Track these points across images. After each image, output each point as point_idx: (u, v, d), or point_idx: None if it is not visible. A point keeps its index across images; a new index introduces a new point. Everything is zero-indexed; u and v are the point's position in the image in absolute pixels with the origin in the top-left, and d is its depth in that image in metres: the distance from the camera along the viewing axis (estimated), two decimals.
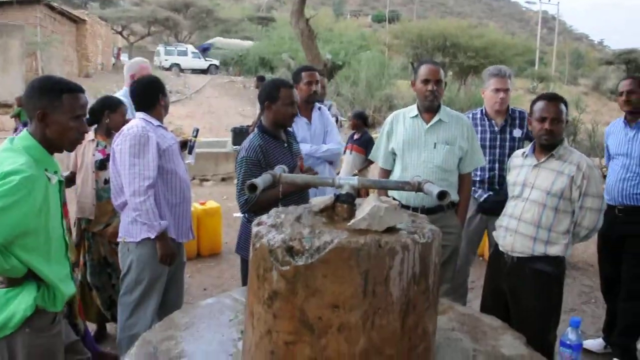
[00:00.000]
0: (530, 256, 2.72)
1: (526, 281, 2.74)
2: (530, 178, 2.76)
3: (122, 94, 4.49)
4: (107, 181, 3.37)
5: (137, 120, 2.95)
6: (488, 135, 3.68)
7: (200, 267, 5.30)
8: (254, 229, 1.68)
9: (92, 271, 3.49)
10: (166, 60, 30.56)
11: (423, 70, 3.12)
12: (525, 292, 2.74)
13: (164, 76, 21.99)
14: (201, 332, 2.12)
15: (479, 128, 3.68)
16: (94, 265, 3.49)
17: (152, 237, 2.85)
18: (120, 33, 32.63)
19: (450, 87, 16.43)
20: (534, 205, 2.72)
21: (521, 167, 2.86)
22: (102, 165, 3.41)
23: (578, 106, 13.63)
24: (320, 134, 3.85)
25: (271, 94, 2.89)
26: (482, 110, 3.77)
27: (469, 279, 4.04)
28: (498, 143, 3.66)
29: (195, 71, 29.93)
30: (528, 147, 2.90)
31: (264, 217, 1.76)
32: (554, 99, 2.73)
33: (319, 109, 3.90)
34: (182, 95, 19.77)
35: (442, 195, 1.64)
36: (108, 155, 3.36)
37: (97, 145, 3.44)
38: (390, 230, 1.56)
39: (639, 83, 3.41)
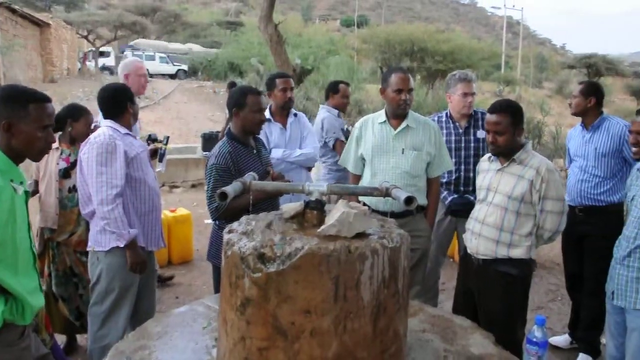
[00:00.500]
0: (494, 259, 2.78)
1: (492, 283, 2.79)
2: (493, 182, 2.83)
3: None
4: (71, 190, 3.33)
5: (104, 129, 2.92)
6: (453, 138, 3.76)
7: (172, 275, 5.25)
8: (226, 237, 1.70)
9: (58, 282, 3.42)
10: None
11: (395, 79, 3.14)
12: (491, 294, 2.80)
13: None
14: (175, 341, 2.11)
15: (444, 131, 3.76)
16: (59, 276, 3.42)
17: (122, 245, 2.83)
18: (86, 37, 32.00)
19: (418, 91, 16.59)
20: (496, 209, 2.78)
21: (487, 172, 2.93)
22: (66, 173, 3.35)
23: (542, 109, 13.97)
24: (296, 140, 3.87)
25: (239, 101, 2.90)
26: (446, 113, 3.86)
27: (439, 280, 4.11)
28: (463, 145, 3.75)
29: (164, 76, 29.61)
30: None
31: (235, 225, 1.78)
32: (495, 111, 2.75)
33: (295, 115, 3.93)
34: (150, 101, 19.46)
35: (409, 200, 1.68)
36: (72, 163, 3.32)
37: (61, 154, 3.38)
38: (360, 235, 1.60)
39: None
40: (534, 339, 1.78)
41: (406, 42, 25.11)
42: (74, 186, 3.31)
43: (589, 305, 3.64)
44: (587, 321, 3.68)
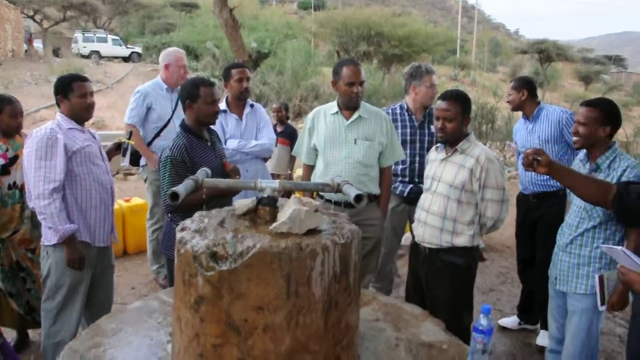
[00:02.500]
0: (439, 247, 2.87)
1: (438, 271, 2.89)
2: (437, 172, 2.91)
3: (150, 84, 4.36)
4: (11, 186, 3.23)
5: (49, 122, 2.87)
6: (408, 130, 3.83)
7: (128, 265, 5.19)
8: (178, 235, 1.70)
9: (4, 277, 3.33)
10: (84, 47, 29.16)
11: (346, 72, 3.16)
12: (437, 282, 2.90)
13: (82, 64, 21.00)
14: (129, 337, 2.10)
15: (400, 123, 3.82)
16: (5, 271, 3.33)
17: (57, 241, 2.79)
18: (33, 17, 30.64)
19: (375, 76, 16.68)
20: (439, 198, 2.86)
21: (433, 162, 3.01)
22: (4, 170, 3.23)
23: (496, 94, 14.30)
24: (252, 131, 3.85)
25: (191, 93, 2.87)
26: (401, 106, 3.91)
27: (395, 267, 4.22)
28: (418, 137, 3.82)
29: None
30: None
31: (187, 222, 1.78)
32: (447, 98, 2.83)
33: (252, 105, 3.91)
34: (103, 85, 18.93)
35: (358, 198, 1.71)
36: (10, 159, 3.21)
37: None
38: (311, 232, 1.63)
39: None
40: (480, 327, 1.86)
41: (363, 26, 25.18)
42: (15, 183, 3.22)
43: (542, 288, 3.82)
44: (541, 301, 3.86)
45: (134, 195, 6.19)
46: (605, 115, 2.60)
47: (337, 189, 1.85)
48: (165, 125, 4.21)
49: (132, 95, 4.24)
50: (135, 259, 5.36)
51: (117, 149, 3.39)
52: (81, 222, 2.92)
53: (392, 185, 3.73)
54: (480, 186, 2.77)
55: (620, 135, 9.11)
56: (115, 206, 5.36)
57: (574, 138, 2.73)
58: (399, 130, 3.75)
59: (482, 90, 27.57)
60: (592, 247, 2.65)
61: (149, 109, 4.18)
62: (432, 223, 2.88)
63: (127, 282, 4.79)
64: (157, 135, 4.22)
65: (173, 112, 4.24)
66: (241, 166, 3.58)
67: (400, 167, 3.78)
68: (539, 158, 2.23)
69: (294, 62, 17.67)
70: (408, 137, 3.79)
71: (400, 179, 3.83)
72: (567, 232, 2.80)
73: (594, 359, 2.73)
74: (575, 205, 2.76)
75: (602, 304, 2.51)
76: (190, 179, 1.80)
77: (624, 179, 2.46)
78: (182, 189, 1.66)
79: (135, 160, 4.28)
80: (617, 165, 2.55)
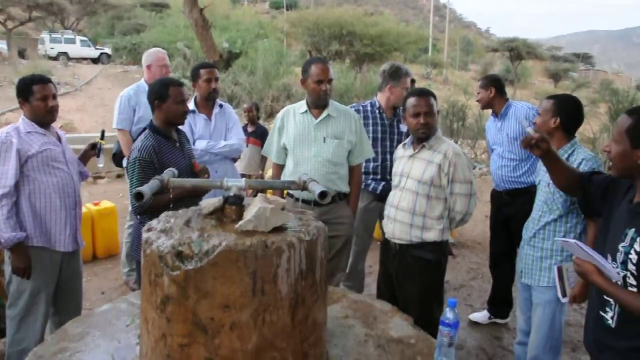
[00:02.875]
0: (409, 243, 2.90)
1: (408, 267, 2.91)
2: (406, 168, 2.94)
3: (133, 87, 4.27)
4: None
5: (8, 126, 2.83)
6: (380, 128, 3.84)
7: (97, 270, 5.10)
8: (144, 235, 1.69)
9: None
10: (52, 48, 28.49)
11: (315, 70, 3.17)
12: (407, 277, 2.93)
13: (50, 66, 20.54)
14: (97, 341, 2.08)
15: (371, 121, 3.83)
16: None
17: (1, 248, 2.76)
18: None
19: (347, 75, 16.72)
20: (408, 194, 2.89)
21: (401, 159, 3.04)
22: None
23: (466, 92, 14.50)
24: (221, 131, 3.83)
25: (160, 93, 2.84)
26: (372, 103, 3.93)
27: (366, 264, 4.24)
28: (388, 136, 3.85)
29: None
30: (408, 139, 3.08)
31: (153, 223, 1.77)
32: (423, 94, 2.88)
33: (220, 106, 3.88)
34: (72, 87, 18.54)
35: (323, 195, 1.72)
36: None
37: None
38: (277, 229, 1.63)
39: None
40: (446, 321, 1.89)
41: (335, 26, 25.24)
42: None
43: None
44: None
45: (103, 199, 6.10)
46: (557, 107, 2.69)
47: (304, 187, 1.86)
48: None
49: (117, 101, 4.19)
50: (105, 263, 5.28)
51: (92, 149, 3.34)
52: (37, 227, 2.87)
53: (364, 183, 3.75)
54: (449, 181, 2.81)
55: (587, 131, 9.33)
56: (84, 210, 5.31)
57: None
58: (371, 128, 3.77)
59: (454, 88, 27.95)
60: (554, 240, 2.72)
61: (133, 111, 4.13)
62: (402, 219, 2.91)
63: (97, 286, 4.71)
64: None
65: None
66: (210, 167, 3.55)
67: (372, 164, 3.80)
68: (541, 145, 2.17)
69: (265, 62, 17.60)
70: (379, 135, 3.82)
71: (372, 176, 3.85)
72: (531, 226, 2.87)
73: (557, 350, 2.80)
74: (538, 199, 2.83)
75: (564, 295, 2.58)
76: (156, 179, 1.79)
77: (586, 169, 2.52)
78: (146, 189, 1.65)
79: (118, 161, 4.24)
80: (574, 158, 2.63)
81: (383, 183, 3.82)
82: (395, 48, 27.92)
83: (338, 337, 2.11)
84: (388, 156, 3.82)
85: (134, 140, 4.14)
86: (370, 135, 3.73)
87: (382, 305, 2.47)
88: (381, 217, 3.92)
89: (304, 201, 3.23)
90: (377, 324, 2.26)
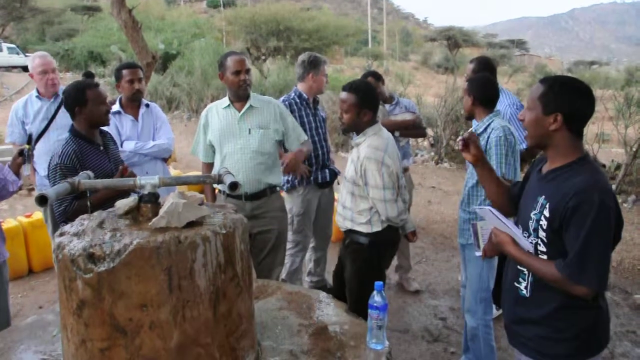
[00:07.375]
0: (346, 229, 2.95)
1: (347, 250, 2.96)
2: (346, 166, 2.99)
3: (25, 99, 4.05)
4: None
5: None
6: (309, 117, 3.85)
7: (34, 284, 4.90)
8: (57, 240, 1.64)
9: None
10: None
11: (231, 62, 3.16)
12: (348, 260, 2.96)
13: None
14: (20, 355, 2.00)
15: (302, 112, 3.82)
16: None
17: None
18: None
19: (287, 71, 16.64)
20: (343, 189, 2.96)
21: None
22: None
23: (402, 80, 14.76)
24: (149, 131, 3.75)
25: (78, 98, 2.76)
26: (297, 94, 3.90)
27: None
28: (316, 124, 3.88)
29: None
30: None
31: (67, 227, 1.72)
32: (345, 90, 2.85)
33: (147, 105, 3.80)
34: (1, 97, 17.75)
35: (233, 186, 1.71)
36: None
37: None
38: (192, 224, 1.61)
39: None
40: (375, 304, 1.93)
41: (272, 22, 25.14)
42: None
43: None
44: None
45: (36, 210, 5.85)
46: (469, 86, 2.97)
47: (219, 180, 1.84)
48: (41, 136, 3.88)
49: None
50: (42, 276, 5.07)
51: (20, 155, 3.20)
52: None
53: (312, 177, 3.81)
54: (364, 183, 2.79)
55: None
56: (14, 223, 5.10)
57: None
58: (301, 119, 3.77)
59: (395, 78, 28.34)
60: (477, 203, 2.92)
61: (22, 123, 3.93)
62: (340, 212, 2.98)
63: (34, 301, 4.53)
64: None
65: (49, 121, 3.90)
66: (140, 168, 3.48)
67: (312, 156, 3.80)
68: (470, 142, 2.14)
69: (202, 62, 17.32)
70: (312, 124, 3.83)
71: (314, 167, 3.85)
72: (463, 192, 3.07)
73: (487, 301, 2.99)
74: (469, 167, 2.97)
75: (478, 249, 2.72)
76: (66, 182, 1.73)
77: (492, 137, 2.78)
78: (51, 192, 1.59)
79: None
80: (491, 128, 2.85)
81: (327, 170, 3.87)
82: (334, 41, 28.09)
83: (270, 328, 2.11)
84: (323, 143, 3.86)
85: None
86: (306, 126, 3.75)
87: (318, 294, 2.48)
88: (321, 205, 3.97)
89: (236, 197, 3.20)
90: (311, 313, 2.28)
